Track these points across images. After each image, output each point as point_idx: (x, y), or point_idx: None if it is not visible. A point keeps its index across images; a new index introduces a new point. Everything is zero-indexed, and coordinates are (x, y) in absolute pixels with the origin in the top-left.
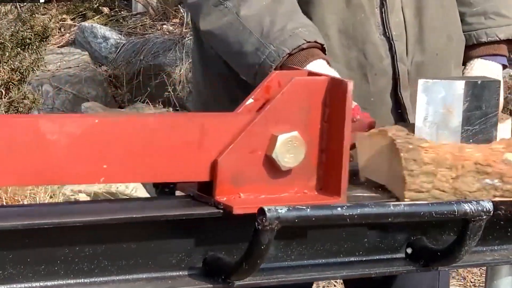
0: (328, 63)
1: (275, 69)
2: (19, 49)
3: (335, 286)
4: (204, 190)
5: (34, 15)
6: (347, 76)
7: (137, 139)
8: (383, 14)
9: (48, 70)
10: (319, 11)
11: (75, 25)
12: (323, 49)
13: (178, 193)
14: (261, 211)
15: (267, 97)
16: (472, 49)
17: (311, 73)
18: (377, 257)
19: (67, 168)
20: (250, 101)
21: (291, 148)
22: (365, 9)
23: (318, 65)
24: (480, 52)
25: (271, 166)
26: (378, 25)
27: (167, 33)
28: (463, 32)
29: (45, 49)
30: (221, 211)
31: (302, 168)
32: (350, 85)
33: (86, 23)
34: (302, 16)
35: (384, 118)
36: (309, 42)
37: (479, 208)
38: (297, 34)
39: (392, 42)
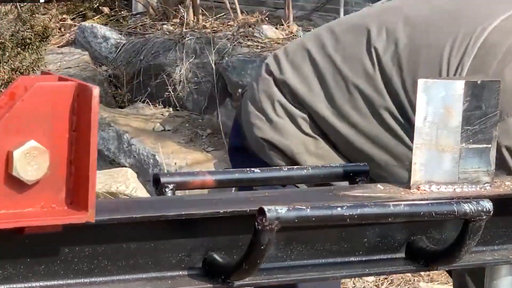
0: None
1: None
2: (19, 49)
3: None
4: None
5: (34, 15)
6: None
7: None
8: None
9: (48, 70)
10: None
11: (75, 25)
12: None
13: (178, 193)
14: (261, 211)
15: (12, 104)
16: None
17: (62, 78)
18: (377, 257)
19: None
20: None
21: (33, 159)
22: None
23: None
24: None
25: (13, 179)
26: None
27: (167, 33)
28: None
29: (45, 49)
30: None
31: (49, 181)
32: (96, 91)
33: (86, 23)
34: None
35: None
36: None
37: (479, 208)
38: None
39: None
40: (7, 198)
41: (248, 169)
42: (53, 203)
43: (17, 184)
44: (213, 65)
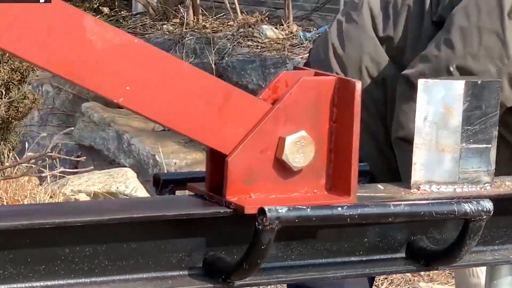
0: None
1: None
2: None
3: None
4: (215, 190)
5: None
6: None
7: (166, 77)
8: None
9: None
10: None
11: None
12: None
13: (178, 193)
14: (261, 211)
15: (275, 97)
16: None
17: (318, 73)
18: (377, 257)
19: (94, 72)
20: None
21: (300, 148)
22: None
23: None
24: None
25: (281, 166)
26: None
27: (167, 33)
28: None
29: None
30: (231, 210)
31: (312, 168)
32: (358, 85)
33: None
34: None
35: None
36: None
37: (479, 208)
38: None
39: None
40: (276, 183)
41: None
42: (315, 189)
43: (284, 170)
44: (213, 65)
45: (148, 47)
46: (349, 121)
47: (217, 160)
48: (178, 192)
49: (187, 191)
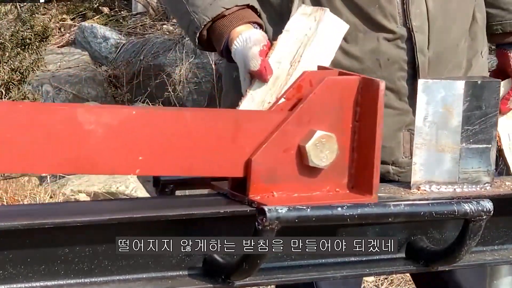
0: (255, 23)
1: (201, 35)
2: (19, 49)
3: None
4: (238, 189)
5: (34, 15)
6: (360, 58)
7: (173, 131)
8: (405, 5)
9: (48, 70)
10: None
11: (75, 25)
12: (250, 7)
13: (178, 193)
14: (261, 211)
15: (299, 96)
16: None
17: (342, 73)
18: (377, 257)
19: (103, 158)
20: (282, 100)
21: (323, 147)
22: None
23: (238, 30)
24: None
25: (304, 165)
26: (399, 15)
27: (167, 33)
28: (506, 20)
29: (45, 49)
30: (253, 209)
31: (334, 167)
32: (382, 85)
33: (86, 23)
34: None
35: (397, 103)
36: (229, 9)
37: (479, 208)
38: (216, 2)
39: (412, 33)
40: (299, 182)
41: None
42: (337, 187)
43: (307, 169)
44: (213, 65)
45: (146, 112)
46: (372, 121)
47: None
48: (178, 192)
49: (187, 191)
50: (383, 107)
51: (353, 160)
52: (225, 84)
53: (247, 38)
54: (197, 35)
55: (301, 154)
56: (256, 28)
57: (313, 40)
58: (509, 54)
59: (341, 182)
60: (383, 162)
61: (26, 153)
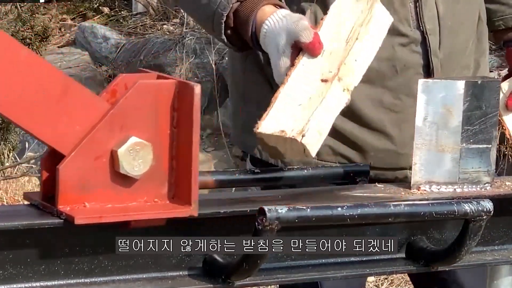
0: (278, 6)
1: (227, 19)
2: None
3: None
4: (48, 199)
5: (34, 15)
6: (376, 67)
7: (4, 61)
8: (417, 8)
9: None
10: None
11: (75, 25)
12: None
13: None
14: (261, 211)
15: (114, 102)
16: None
17: (160, 76)
18: (377, 257)
19: None
20: None
21: (137, 154)
22: (394, 2)
23: (267, 10)
24: None
25: (118, 173)
26: (412, 18)
27: (167, 33)
28: (506, 15)
29: (45, 49)
30: (61, 221)
31: (152, 176)
32: (197, 89)
33: (86, 23)
34: None
35: (413, 109)
36: None
37: (479, 208)
38: None
39: (426, 35)
40: (114, 192)
41: (248, 169)
42: (156, 198)
43: (122, 178)
44: (213, 65)
45: None
46: (189, 127)
47: (51, 167)
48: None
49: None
50: (199, 112)
51: (172, 169)
52: (233, 75)
53: (286, 14)
54: (224, 18)
55: (113, 160)
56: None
57: (369, 21)
58: None
59: (160, 192)
60: (401, 168)
61: None
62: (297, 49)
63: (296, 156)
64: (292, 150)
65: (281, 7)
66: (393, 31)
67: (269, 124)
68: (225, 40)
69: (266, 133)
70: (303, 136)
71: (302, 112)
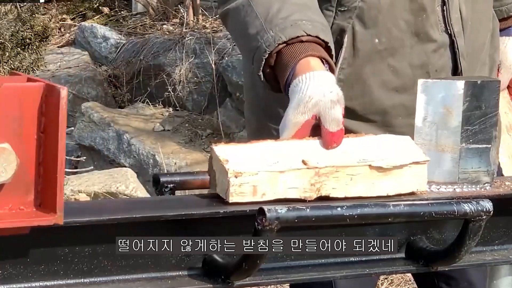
0: (325, 62)
1: (270, 57)
2: (19, 49)
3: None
4: None
5: (34, 15)
6: (410, 74)
7: None
8: (445, 12)
9: (48, 70)
10: (384, 16)
11: (75, 25)
12: (327, 48)
13: (178, 193)
14: (261, 211)
15: None
16: (502, 21)
17: (30, 79)
18: (377, 257)
19: None
20: None
21: (1, 161)
22: (426, 8)
23: (311, 63)
24: (509, 23)
25: None
26: (439, 22)
27: (167, 33)
28: (494, 8)
29: (45, 49)
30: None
31: (17, 183)
32: (63, 92)
33: (86, 23)
34: (315, 13)
35: None
36: (309, 35)
37: (479, 208)
38: (298, 25)
39: (454, 38)
40: None
41: None
42: (21, 205)
43: None
44: (213, 65)
45: None
46: (55, 132)
47: None
48: (178, 192)
49: (187, 191)
50: (65, 117)
51: (39, 176)
52: (247, 81)
53: (327, 83)
54: (266, 56)
55: None
56: (327, 70)
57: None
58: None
59: (26, 200)
60: None
61: None
62: (315, 119)
63: (213, 191)
64: (218, 185)
65: (326, 61)
66: (425, 38)
67: (227, 150)
68: (262, 77)
69: (217, 153)
70: (239, 184)
71: (261, 167)
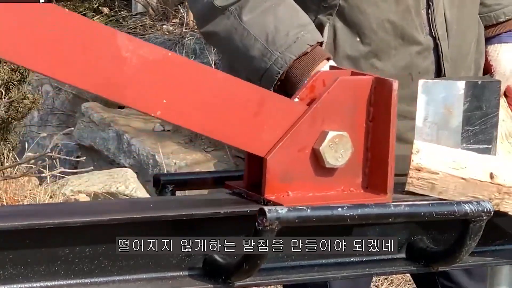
0: (330, 59)
1: (282, 74)
2: None
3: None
4: (253, 188)
5: None
6: (393, 75)
7: (200, 86)
8: (429, 15)
9: None
10: (368, 17)
11: None
12: (321, 44)
13: (178, 193)
14: (261, 211)
15: (312, 97)
16: (491, 28)
17: (354, 73)
18: (377, 257)
19: (131, 89)
20: (295, 100)
21: (337, 146)
22: (411, 11)
23: (325, 67)
24: (499, 30)
25: (319, 164)
26: (424, 25)
27: (167, 33)
28: (483, 14)
29: None
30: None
31: (348, 166)
32: (395, 85)
33: None
34: (302, 15)
35: None
36: (312, 45)
37: (480, 209)
38: (300, 40)
39: (438, 41)
40: (313, 182)
41: None
42: (351, 187)
43: (321, 169)
44: (213, 65)
45: (181, 59)
46: (386, 120)
47: (255, 159)
48: (178, 192)
49: (187, 191)
50: (396, 107)
51: (367, 160)
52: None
53: None
54: (279, 76)
55: (316, 156)
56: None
57: None
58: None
59: (355, 182)
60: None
61: (61, 60)
62: None
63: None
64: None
65: (329, 58)
66: (410, 40)
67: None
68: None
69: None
70: (418, 178)
71: (445, 168)
